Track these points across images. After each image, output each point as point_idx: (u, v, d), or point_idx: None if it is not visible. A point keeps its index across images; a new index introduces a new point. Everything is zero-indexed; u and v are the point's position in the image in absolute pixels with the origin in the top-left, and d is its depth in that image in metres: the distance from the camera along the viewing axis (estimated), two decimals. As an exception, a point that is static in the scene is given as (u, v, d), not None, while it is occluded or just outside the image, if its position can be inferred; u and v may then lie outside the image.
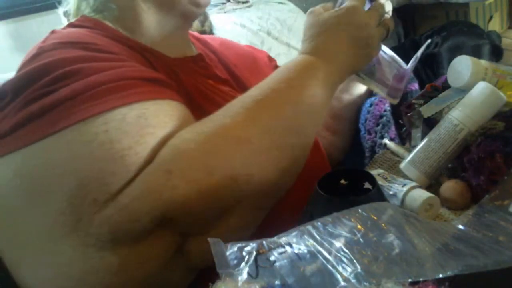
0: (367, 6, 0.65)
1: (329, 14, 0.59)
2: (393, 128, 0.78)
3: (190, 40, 0.72)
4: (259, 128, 0.49)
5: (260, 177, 0.48)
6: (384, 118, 0.78)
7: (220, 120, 0.49)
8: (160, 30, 0.63)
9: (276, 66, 0.86)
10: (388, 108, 0.78)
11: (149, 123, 0.47)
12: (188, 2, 0.63)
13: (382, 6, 0.62)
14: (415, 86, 0.83)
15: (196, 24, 0.84)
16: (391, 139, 0.76)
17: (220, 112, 0.50)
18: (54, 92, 0.46)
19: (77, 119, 0.44)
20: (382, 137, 0.77)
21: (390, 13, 0.70)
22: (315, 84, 0.54)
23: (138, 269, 0.45)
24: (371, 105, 0.79)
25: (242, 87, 0.71)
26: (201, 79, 0.65)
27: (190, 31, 0.75)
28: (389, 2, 0.69)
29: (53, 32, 0.57)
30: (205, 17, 1.48)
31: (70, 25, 0.60)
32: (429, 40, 0.75)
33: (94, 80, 0.47)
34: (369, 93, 0.81)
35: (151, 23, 0.62)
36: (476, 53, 1.50)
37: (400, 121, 0.77)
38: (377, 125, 0.78)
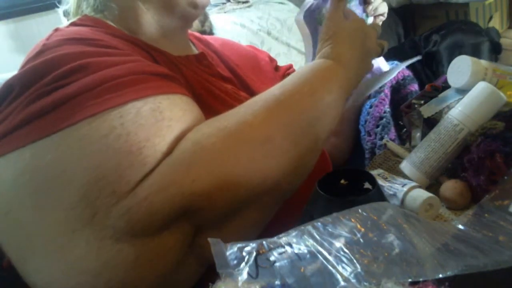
0: (359, 8, 0.66)
1: (350, 22, 0.61)
2: (393, 129, 0.78)
3: (190, 40, 0.72)
4: (280, 129, 0.49)
5: (277, 175, 0.49)
6: (384, 119, 0.78)
7: (242, 117, 0.49)
8: (160, 30, 0.63)
9: (276, 67, 0.86)
10: (388, 110, 0.79)
11: (165, 116, 0.47)
12: (186, 4, 0.63)
13: (379, 26, 0.66)
14: (415, 87, 0.83)
15: (196, 24, 0.84)
16: (392, 141, 0.76)
17: (241, 108, 0.51)
18: (64, 86, 0.45)
19: (91, 113, 0.44)
20: (382, 139, 0.77)
21: (386, 15, 0.71)
22: (334, 90, 0.55)
23: (155, 263, 0.44)
24: (371, 107, 0.79)
25: (245, 87, 0.71)
26: (205, 76, 0.65)
27: (191, 31, 0.75)
28: (385, 4, 0.70)
29: (56, 30, 0.56)
30: (205, 17, 1.48)
31: (72, 24, 0.60)
32: (419, 57, 0.75)
33: (105, 74, 0.47)
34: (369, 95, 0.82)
35: (151, 23, 0.62)
36: (475, 51, 1.50)
37: (400, 122, 0.77)
38: (377, 126, 0.78)
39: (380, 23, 0.72)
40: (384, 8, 0.71)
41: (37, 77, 0.46)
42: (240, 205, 0.48)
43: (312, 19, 0.67)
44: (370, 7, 0.69)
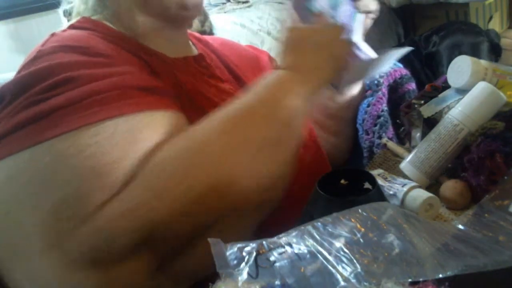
0: (349, 4, 0.65)
1: (302, 31, 0.60)
2: (391, 128, 0.78)
3: (189, 41, 0.72)
4: (237, 144, 0.48)
5: (240, 192, 0.47)
6: (382, 118, 0.78)
7: (200, 136, 0.48)
8: (157, 32, 0.63)
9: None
10: (386, 108, 0.79)
11: (141, 136, 0.46)
12: (177, 8, 0.62)
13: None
14: (412, 85, 0.83)
15: (196, 24, 0.84)
16: (389, 139, 0.76)
17: (200, 126, 0.50)
18: (49, 99, 0.45)
19: (68, 129, 0.44)
20: (380, 137, 0.77)
21: (377, 12, 0.70)
22: (290, 98, 0.53)
23: None
24: (368, 105, 0.79)
25: (244, 87, 0.71)
26: (203, 79, 0.64)
27: (191, 31, 0.75)
28: (375, 1, 0.69)
29: (53, 35, 0.56)
30: (205, 17, 1.48)
31: (71, 26, 0.60)
32: (411, 48, 0.75)
33: (89, 89, 0.46)
34: (364, 92, 0.82)
35: (146, 25, 0.62)
36: (474, 50, 1.50)
37: (397, 121, 0.77)
38: (375, 125, 0.78)
39: (372, 21, 0.71)
40: (374, 5, 0.70)
41: (26, 87, 0.47)
42: (203, 228, 0.46)
43: (302, 8, 0.66)
44: (360, 3, 0.68)
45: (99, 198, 0.42)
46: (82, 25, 0.60)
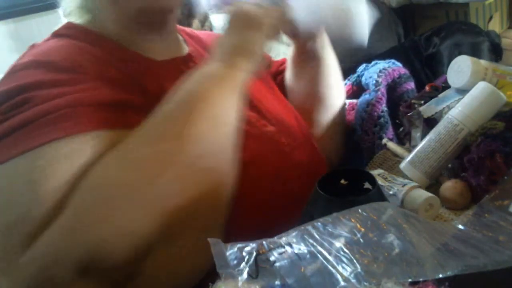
0: None
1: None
2: (391, 128, 0.78)
3: (179, 39, 0.70)
4: (163, 162, 0.45)
5: (167, 211, 0.44)
6: (382, 119, 0.78)
7: (127, 153, 0.46)
8: (139, 35, 0.61)
9: (269, 64, 0.84)
10: (385, 109, 0.78)
11: (78, 160, 0.45)
12: (145, 13, 0.59)
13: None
14: (411, 85, 0.83)
15: (196, 24, 0.83)
16: (390, 140, 0.76)
17: (129, 139, 0.47)
18: (8, 119, 0.46)
19: (15, 152, 0.44)
20: (380, 138, 0.77)
21: None
22: (219, 94, 0.51)
23: None
24: (368, 106, 0.79)
25: None
26: None
27: (185, 28, 0.74)
28: None
29: (32, 47, 0.57)
30: (205, 17, 1.48)
31: (54, 33, 0.60)
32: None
33: (41, 109, 0.46)
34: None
35: (128, 29, 0.60)
36: (475, 50, 1.50)
37: (397, 121, 0.76)
38: (375, 126, 0.78)
39: None
40: None
41: None
42: (140, 252, 0.44)
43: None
44: None
45: (33, 228, 0.41)
46: (64, 32, 0.59)
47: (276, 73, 0.83)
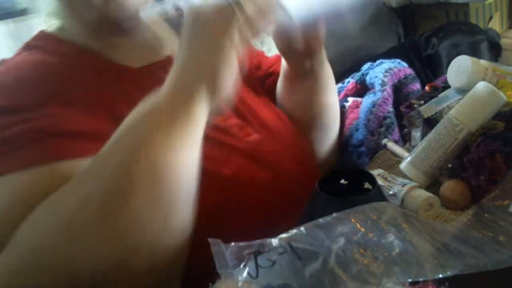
0: None
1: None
2: (396, 130, 0.76)
3: (160, 40, 0.67)
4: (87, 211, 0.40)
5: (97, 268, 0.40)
6: (388, 119, 0.76)
7: (62, 212, 0.41)
8: (112, 43, 0.60)
9: (258, 65, 0.79)
10: (392, 110, 0.77)
11: (20, 198, 0.43)
12: (101, 20, 0.57)
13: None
14: (417, 86, 0.83)
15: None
16: (395, 141, 0.75)
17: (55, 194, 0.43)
18: None
19: None
20: (386, 139, 0.76)
21: None
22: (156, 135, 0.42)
23: None
24: (373, 105, 0.78)
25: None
26: None
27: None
28: None
29: (1, 62, 0.56)
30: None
31: (26, 46, 0.59)
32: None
33: None
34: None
35: (93, 33, 0.59)
36: (474, 49, 1.50)
37: (402, 122, 0.76)
38: (381, 126, 0.77)
39: None
40: None
41: None
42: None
43: None
44: None
45: None
46: (36, 43, 0.59)
47: (265, 76, 0.78)
